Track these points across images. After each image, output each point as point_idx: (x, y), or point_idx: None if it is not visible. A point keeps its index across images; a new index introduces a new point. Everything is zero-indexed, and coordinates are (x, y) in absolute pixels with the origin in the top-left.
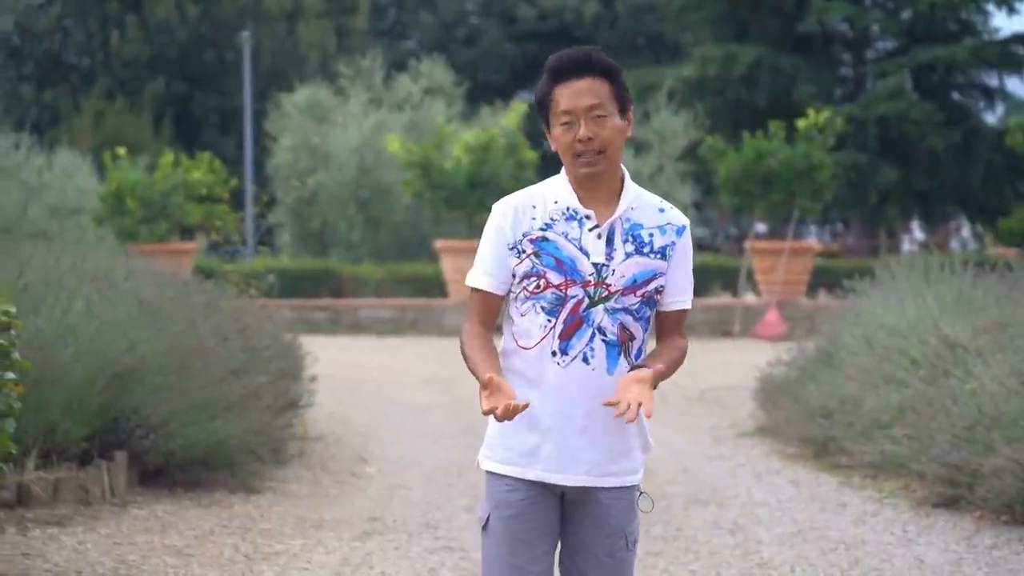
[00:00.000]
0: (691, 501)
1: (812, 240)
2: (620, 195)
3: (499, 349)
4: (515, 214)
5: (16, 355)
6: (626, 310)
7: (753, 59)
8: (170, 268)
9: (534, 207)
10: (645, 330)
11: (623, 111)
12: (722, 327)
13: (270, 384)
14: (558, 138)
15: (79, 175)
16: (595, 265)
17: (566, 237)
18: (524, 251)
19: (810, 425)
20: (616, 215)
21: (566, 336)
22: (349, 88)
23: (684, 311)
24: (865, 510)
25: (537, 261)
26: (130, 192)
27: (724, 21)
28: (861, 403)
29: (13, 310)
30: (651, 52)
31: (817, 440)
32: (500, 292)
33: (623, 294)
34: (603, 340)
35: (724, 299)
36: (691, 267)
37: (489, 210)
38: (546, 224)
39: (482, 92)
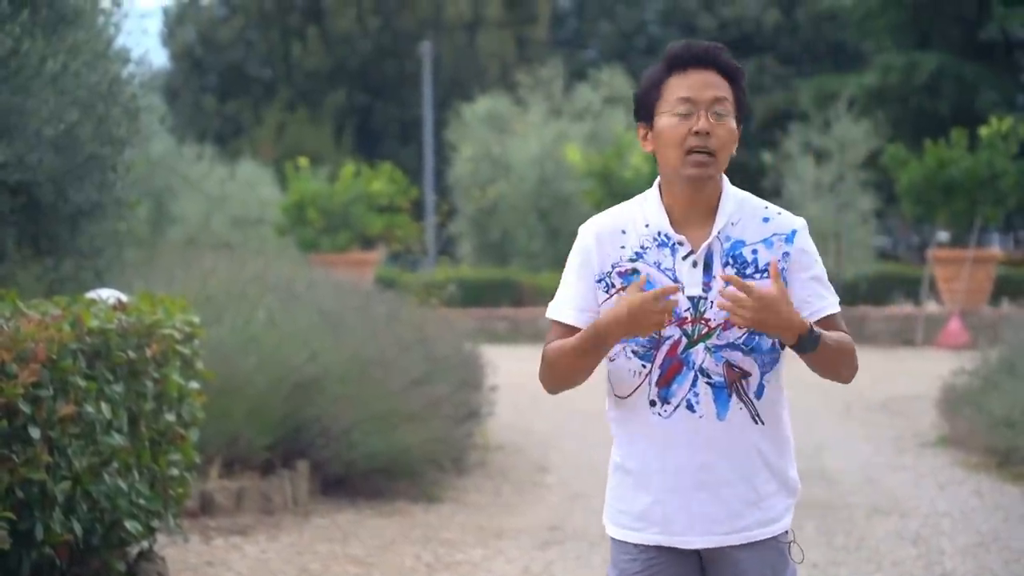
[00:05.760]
0: (873, 511)
1: (995, 248)
2: (717, 210)
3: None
4: (602, 241)
5: (199, 365)
6: (731, 345)
7: (935, 67)
8: (351, 278)
9: (623, 232)
10: (766, 362)
11: (738, 120)
12: (904, 336)
13: (451, 394)
14: (666, 131)
15: (261, 186)
16: (691, 299)
17: (659, 267)
18: (612, 285)
19: (993, 435)
20: (712, 236)
21: (664, 382)
22: (529, 98)
23: (830, 317)
24: None
25: None
26: (311, 202)
27: (906, 29)
28: None
29: (196, 320)
30: (832, 60)
31: (1001, 450)
32: (585, 327)
33: (724, 329)
34: (707, 383)
35: (906, 308)
36: (819, 269)
37: None
38: (636, 253)
39: None
